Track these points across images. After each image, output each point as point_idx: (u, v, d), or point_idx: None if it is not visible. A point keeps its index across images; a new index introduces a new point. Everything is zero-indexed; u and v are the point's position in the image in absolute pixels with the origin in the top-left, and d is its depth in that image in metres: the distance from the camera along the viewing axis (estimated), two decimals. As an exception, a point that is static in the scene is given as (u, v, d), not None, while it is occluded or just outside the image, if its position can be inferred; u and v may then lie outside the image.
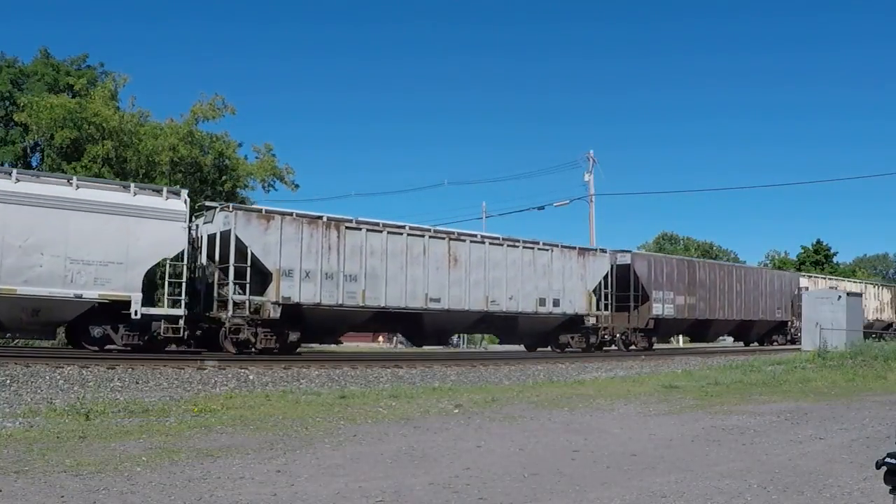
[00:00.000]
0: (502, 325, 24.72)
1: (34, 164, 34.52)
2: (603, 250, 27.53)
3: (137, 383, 12.94)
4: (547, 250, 24.84)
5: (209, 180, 32.46)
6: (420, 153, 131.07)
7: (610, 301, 27.89)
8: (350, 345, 37.57)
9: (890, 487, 2.71)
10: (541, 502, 5.25)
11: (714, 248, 72.55)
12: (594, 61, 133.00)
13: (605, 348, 28.24)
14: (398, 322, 22.41)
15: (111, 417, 8.68)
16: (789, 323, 37.60)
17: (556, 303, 24.81)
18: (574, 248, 26.04)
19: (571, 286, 25.35)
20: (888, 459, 2.68)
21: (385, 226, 21.02)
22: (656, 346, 31.70)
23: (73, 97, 31.11)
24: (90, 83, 32.89)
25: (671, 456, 7.01)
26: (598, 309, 27.08)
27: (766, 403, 11.47)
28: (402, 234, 21.17)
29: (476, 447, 7.31)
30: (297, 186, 35.52)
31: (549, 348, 27.00)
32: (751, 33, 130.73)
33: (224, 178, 32.88)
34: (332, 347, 26.20)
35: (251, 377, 14.55)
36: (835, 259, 70.11)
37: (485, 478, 5.91)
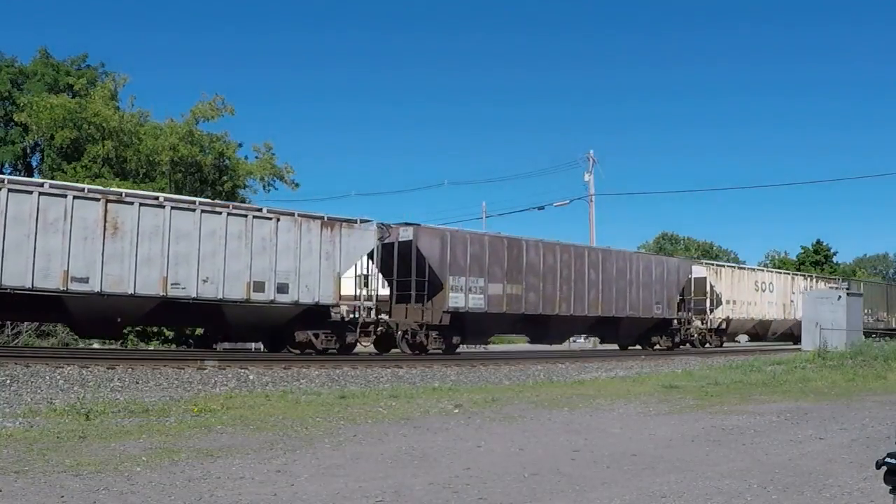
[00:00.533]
0: (199, 316, 19.59)
1: (34, 164, 34.60)
2: (367, 221, 21.19)
3: (137, 383, 12.95)
4: (269, 219, 19.25)
5: (209, 180, 32.54)
6: (420, 153, 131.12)
7: (377, 287, 22.49)
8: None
9: (890, 487, 2.71)
10: (541, 502, 5.25)
11: (714, 248, 72.56)
12: (594, 61, 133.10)
13: (393, 350, 22.75)
14: (29, 309, 17.32)
15: (111, 417, 8.68)
16: (675, 322, 30.24)
17: (282, 288, 19.15)
18: (317, 217, 20.28)
19: (310, 267, 19.57)
20: (888, 459, 2.68)
21: (9, 181, 16.48)
22: (467, 348, 24.73)
23: (73, 97, 31.17)
24: (90, 83, 32.96)
25: (671, 456, 7.02)
26: (363, 298, 21.81)
27: (766, 403, 11.48)
28: (32, 192, 16.18)
29: (476, 447, 7.32)
30: (297, 185, 35.70)
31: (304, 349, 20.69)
32: (751, 34, 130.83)
33: (224, 178, 32.94)
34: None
35: (251, 377, 14.56)
36: (835, 259, 70.16)
37: (485, 478, 5.91)
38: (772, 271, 39.25)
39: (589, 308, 26.12)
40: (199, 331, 22.64)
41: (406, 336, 22.33)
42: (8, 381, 11.99)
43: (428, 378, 16.19)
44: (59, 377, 12.79)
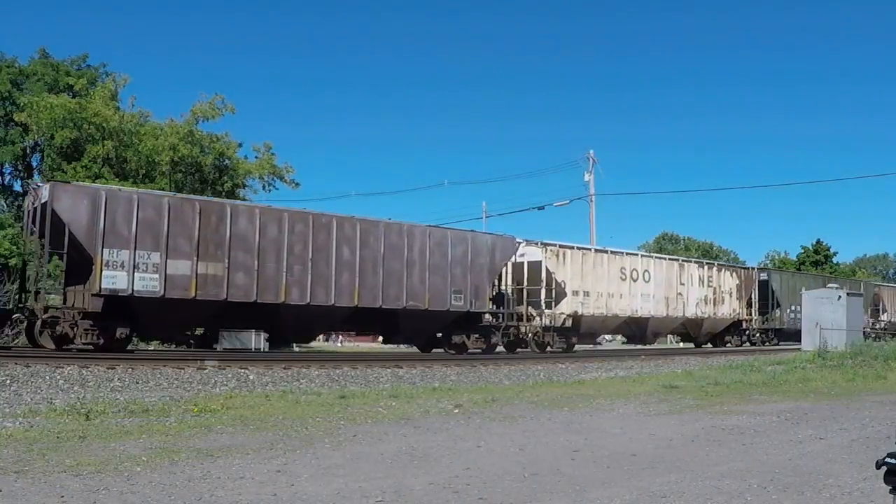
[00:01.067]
0: None
1: (34, 164, 34.60)
2: None
3: (137, 383, 12.94)
4: None
5: (209, 180, 32.54)
6: (420, 153, 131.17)
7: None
8: (348, 345, 37.65)
9: (890, 487, 2.71)
10: (541, 502, 5.25)
11: (714, 248, 72.55)
12: (594, 60, 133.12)
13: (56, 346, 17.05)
14: None
15: (111, 417, 8.68)
16: (488, 317, 23.88)
17: None
18: None
19: None
20: (888, 459, 2.68)
21: None
22: (141, 347, 20.58)
23: (73, 97, 31.16)
24: (90, 83, 32.96)
25: (671, 456, 7.02)
26: None
27: (766, 403, 11.48)
28: None
29: (476, 447, 7.32)
30: (297, 185, 35.68)
31: None
32: (751, 32, 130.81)
33: (224, 178, 32.94)
34: (333, 347, 25.88)
35: (251, 377, 14.56)
36: (835, 259, 70.16)
37: (485, 478, 5.91)
38: (649, 256, 31.20)
39: (338, 296, 19.97)
40: (199, 330, 22.56)
41: (44, 324, 17.03)
42: (8, 381, 11.97)
43: (428, 378, 16.19)
44: (59, 377, 12.78)
